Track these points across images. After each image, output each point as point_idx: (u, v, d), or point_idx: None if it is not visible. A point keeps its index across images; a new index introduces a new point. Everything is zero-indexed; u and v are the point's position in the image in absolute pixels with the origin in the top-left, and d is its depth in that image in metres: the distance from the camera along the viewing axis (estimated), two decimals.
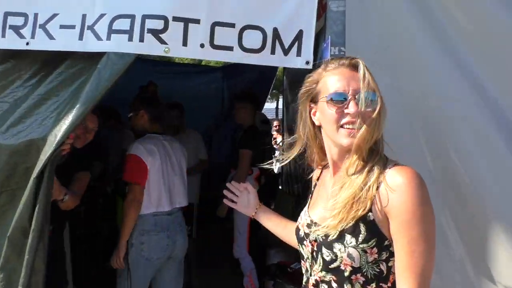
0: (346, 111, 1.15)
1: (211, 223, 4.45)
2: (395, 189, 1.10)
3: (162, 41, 1.59)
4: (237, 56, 1.63)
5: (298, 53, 1.66)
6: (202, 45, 1.61)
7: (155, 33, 1.59)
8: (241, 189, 1.67)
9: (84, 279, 3.98)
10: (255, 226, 3.49)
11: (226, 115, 6.70)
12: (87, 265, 4.15)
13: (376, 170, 1.14)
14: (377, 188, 1.13)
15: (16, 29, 1.66)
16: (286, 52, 1.66)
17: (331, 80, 1.19)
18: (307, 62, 1.66)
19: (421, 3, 1.62)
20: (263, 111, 6.83)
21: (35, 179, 1.63)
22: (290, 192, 5.08)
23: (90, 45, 1.64)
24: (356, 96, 1.14)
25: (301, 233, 1.33)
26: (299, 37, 1.65)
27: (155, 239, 2.57)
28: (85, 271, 4.08)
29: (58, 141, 1.63)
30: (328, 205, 1.22)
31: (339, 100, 1.16)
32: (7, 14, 1.65)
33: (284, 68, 6.45)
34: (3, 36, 1.66)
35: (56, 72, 1.71)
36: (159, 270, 2.69)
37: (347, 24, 1.59)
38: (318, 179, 1.43)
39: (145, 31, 1.59)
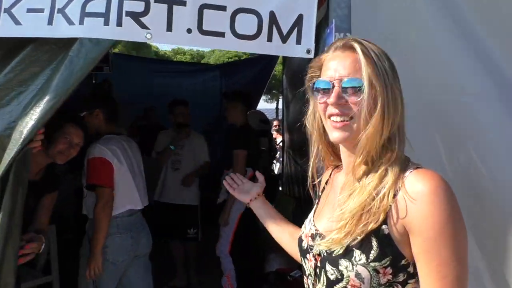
0: (328, 101, 0.99)
1: (212, 224, 4.34)
2: (415, 198, 0.90)
3: (143, 26, 1.39)
4: (229, 43, 1.44)
5: (298, 41, 1.46)
6: (189, 30, 1.41)
7: (135, 16, 1.39)
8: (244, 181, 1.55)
9: (73, 284, 3.83)
10: (254, 229, 3.37)
11: (224, 114, 6.55)
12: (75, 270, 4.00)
13: (391, 174, 0.95)
14: (394, 196, 0.93)
15: None
16: (284, 39, 1.46)
17: (325, 65, 1.04)
18: (308, 51, 1.46)
19: None
20: (264, 112, 6.70)
21: None
22: (290, 193, 4.90)
23: (61, 30, 1.44)
24: (342, 84, 0.97)
25: (304, 244, 1.13)
26: (298, 22, 1.46)
27: (118, 241, 2.52)
28: (73, 276, 3.93)
29: (24, 138, 1.43)
30: (334, 215, 1.02)
31: (324, 88, 1.01)
32: None
33: (284, 65, 6.30)
34: None
35: (20, 59, 1.51)
36: (125, 271, 2.64)
37: (352, 8, 1.40)
38: (327, 183, 1.23)
39: (123, 14, 1.39)
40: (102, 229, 2.42)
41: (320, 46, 1.57)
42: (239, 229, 3.49)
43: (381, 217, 0.93)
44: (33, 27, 1.46)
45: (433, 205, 0.88)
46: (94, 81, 6.22)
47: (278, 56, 6.16)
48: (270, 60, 6.18)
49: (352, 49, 0.99)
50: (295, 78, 4.26)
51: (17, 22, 1.46)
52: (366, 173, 0.99)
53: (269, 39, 1.45)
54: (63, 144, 2.11)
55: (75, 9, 1.43)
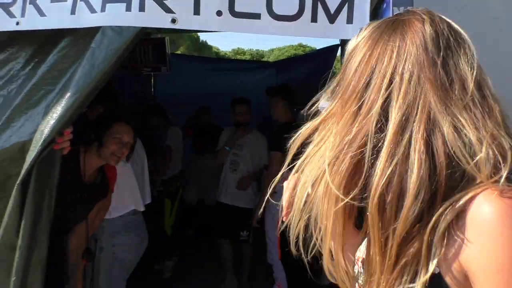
0: None
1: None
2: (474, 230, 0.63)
3: (168, 9, 1.23)
4: (265, 26, 1.23)
5: (349, 20, 1.23)
6: (219, 13, 1.23)
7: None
8: None
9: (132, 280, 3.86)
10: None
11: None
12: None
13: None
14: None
15: (6, 7, 1.39)
16: (332, 18, 1.23)
17: None
18: None
19: None
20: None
21: (19, 185, 1.35)
22: None
23: (84, 19, 1.32)
24: None
25: (356, 269, 0.91)
26: None
27: (126, 240, 2.52)
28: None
29: (44, 139, 1.33)
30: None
31: None
32: None
33: (341, 59, 5.97)
34: None
35: (49, 58, 1.42)
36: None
37: None
38: None
39: None
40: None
41: None
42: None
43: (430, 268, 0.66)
44: (57, 18, 1.35)
45: (496, 240, 0.61)
46: (153, 82, 6.34)
47: (336, 50, 5.85)
48: (328, 55, 5.89)
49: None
50: None
51: (41, 14, 1.36)
52: None
53: (314, 19, 1.23)
54: (114, 145, 2.02)
55: None
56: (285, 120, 3.28)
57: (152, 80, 6.40)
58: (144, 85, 6.27)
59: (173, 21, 1.22)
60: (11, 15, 1.40)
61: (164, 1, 1.22)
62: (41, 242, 1.40)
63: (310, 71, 6.05)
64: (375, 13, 1.25)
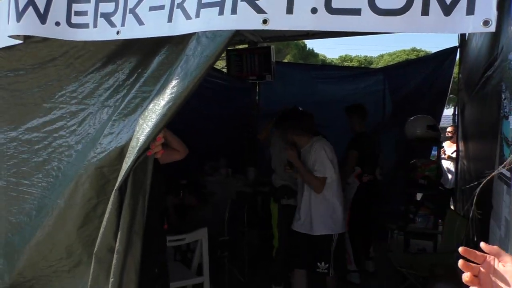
0: None
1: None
2: None
3: (260, 10, 1.15)
4: (366, 22, 1.09)
5: (470, 10, 1.02)
6: (314, 10, 1.11)
7: (251, 0, 1.16)
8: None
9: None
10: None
11: (387, 121, 5.99)
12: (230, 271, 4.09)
13: None
14: None
15: (107, 16, 1.44)
16: (447, 10, 1.04)
17: None
18: (486, 23, 1.01)
19: None
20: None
21: (116, 191, 1.38)
22: (464, 213, 4.12)
23: (179, 27, 1.31)
24: None
25: None
26: None
27: None
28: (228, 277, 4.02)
29: (140, 147, 1.35)
30: None
31: None
32: (98, 1, 1.45)
33: (459, 65, 5.38)
34: (95, 26, 1.46)
35: (148, 67, 1.44)
36: None
37: None
38: None
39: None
40: None
41: (502, 17, 1.10)
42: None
43: None
44: (155, 26, 1.37)
45: None
46: (257, 89, 6.45)
47: (455, 53, 5.30)
48: (445, 58, 5.37)
49: None
50: (470, 77, 3.54)
51: (140, 22, 1.39)
52: None
53: (424, 12, 1.05)
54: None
55: (192, 2, 1.28)
56: (359, 131, 4.32)
57: (257, 88, 6.51)
58: (249, 93, 6.41)
59: (264, 21, 1.14)
60: (112, 24, 1.45)
61: (256, 1, 1.15)
62: (135, 245, 1.44)
63: (423, 77, 5.58)
64: (502, 3, 1.02)
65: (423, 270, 3.63)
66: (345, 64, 23.00)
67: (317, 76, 6.42)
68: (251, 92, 6.45)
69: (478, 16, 1.02)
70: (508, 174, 1.08)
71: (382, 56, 21.33)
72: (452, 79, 5.72)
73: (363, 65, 22.93)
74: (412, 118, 4.83)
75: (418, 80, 5.66)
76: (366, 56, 24.51)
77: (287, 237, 3.55)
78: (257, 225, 5.14)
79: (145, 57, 1.54)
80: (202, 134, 4.80)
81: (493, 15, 1.00)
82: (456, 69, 5.73)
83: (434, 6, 1.05)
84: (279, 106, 5.95)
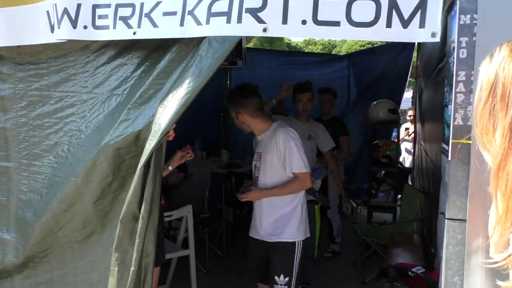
0: None
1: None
2: None
3: (260, 20, 1.45)
4: (344, 32, 1.41)
5: (422, 24, 1.36)
6: (303, 22, 1.42)
7: (253, 12, 1.45)
8: None
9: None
10: None
11: (352, 106, 6.40)
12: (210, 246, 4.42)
13: None
14: None
15: (125, 19, 1.70)
16: (405, 24, 1.37)
17: None
18: (433, 34, 1.35)
19: None
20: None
21: (142, 168, 1.66)
22: (419, 187, 4.61)
23: (191, 30, 1.59)
24: None
25: None
26: (422, 3, 1.35)
27: None
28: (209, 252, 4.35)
29: (162, 131, 1.63)
30: None
31: None
32: (118, 6, 1.70)
33: (418, 52, 5.85)
34: (114, 27, 1.71)
35: (159, 62, 1.72)
36: None
37: None
38: None
39: (243, 10, 1.47)
40: None
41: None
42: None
43: None
44: (168, 29, 1.63)
45: None
46: (228, 74, 6.69)
47: (413, 42, 5.74)
48: (405, 46, 5.80)
49: None
50: (427, 65, 3.95)
51: (154, 25, 1.65)
52: None
53: (388, 24, 1.38)
54: None
55: (202, 10, 1.56)
56: (334, 115, 4.56)
57: (229, 73, 6.74)
58: (221, 79, 6.65)
59: (264, 30, 1.44)
60: (129, 26, 1.70)
61: (258, 13, 1.44)
62: (154, 212, 1.73)
63: (386, 64, 5.99)
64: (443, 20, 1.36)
65: (384, 238, 4.09)
66: (310, 47, 23.41)
67: (286, 62, 6.73)
68: (223, 78, 6.69)
69: (428, 29, 1.36)
70: (446, 147, 1.44)
71: (345, 40, 21.87)
72: (411, 64, 6.19)
73: (327, 49, 23.41)
74: (375, 103, 5.27)
75: (381, 67, 6.08)
76: (330, 40, 24.99)
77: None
78: (232, 204, 5.48)
79: (154, 53, 1.81)
80: (180, 119, 5.05)
81: (438, 29, 1.34)
82: (415, 54, 6.20)
83: (395, 20, 1.38)
84: None
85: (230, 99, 2.69)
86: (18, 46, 2.09)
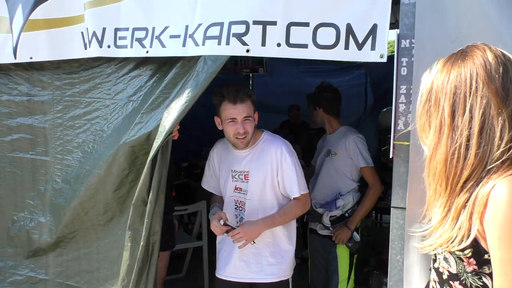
0: None
1: None
2: (494, 201, 0.98)
3: (244, 43, 1.80)
4: (311, 53, 1.73)
5: (372, 47, 1.67)
6: (278, 44, 1.76)
7: (238, 36, 1.80)
8: None
9: None
10: None
11: (369, 113, 6.57)
12: None
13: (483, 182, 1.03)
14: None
15: (140, 40, 2.09)
16: (360, 46, 1.68)
17: None
18: (381, 56, 1.65)
19: None
20: None
21: (150, 161, 2.04)
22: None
23: (191, 50, 1.95)
24: None
25: None
26: (373, 31, 1.66)
27: None
28: None
29: (166, 132, 2.00)
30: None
31: None
32: (134, 29, 2.09)
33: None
34: (131, 47, 2.10)
35: (167, 75, 2.10)
36: None
37: (417, 15, 1.54)
38: None
39: (231, 35, 1.82)
40: None
41: None
42: None
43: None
44: (173, 48, 2.01)
45: (502, 207, 0.96)
46: (251, 81, 7.01)
47: None
48: None
49: None
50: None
51: (163, 46, 2.03)
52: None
53: (346, 47, 1.69)
54: None
55: (200, 34, 1.92)
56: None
57: (251, 80, 7.06)
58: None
59: (247, 51, 1.79)
60: (143, 46, 2.09)
61: (242, 37, 1.79)
62: (160, 198, 2.10)
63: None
64: None
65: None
66: None
67: (305, 70, 6.99)
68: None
69: (377, 51, 1.66)
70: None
71: None
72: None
73: None
74: (385, 110, 5.46)
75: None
76: None
77: None
78: None
79: (163, 67, 2.19)
80: (202, 123, 5.42)
81: (385, 51, 1.64)
82: None
83: (352, 44, 1.69)
84: (271, 97, 6.48)
85: None
86: (58, 60, 2.52)
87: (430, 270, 1.28)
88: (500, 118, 1.01)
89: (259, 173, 2.24)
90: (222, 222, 2.15)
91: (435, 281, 1.21)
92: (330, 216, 2.79)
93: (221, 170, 2.39)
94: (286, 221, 2.24)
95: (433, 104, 1.13)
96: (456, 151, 1.04)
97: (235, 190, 2.30)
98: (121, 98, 2.40)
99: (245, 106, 2.14)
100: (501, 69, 1.03)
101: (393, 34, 1.84)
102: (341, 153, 2.91)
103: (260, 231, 2.14)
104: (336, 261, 2.91)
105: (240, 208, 2.28)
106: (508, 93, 1.02)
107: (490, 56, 1.05)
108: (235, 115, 2.15)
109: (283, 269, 2.31)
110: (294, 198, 2.24)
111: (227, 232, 2.15)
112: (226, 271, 2.35)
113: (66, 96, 2.58)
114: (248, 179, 2.25)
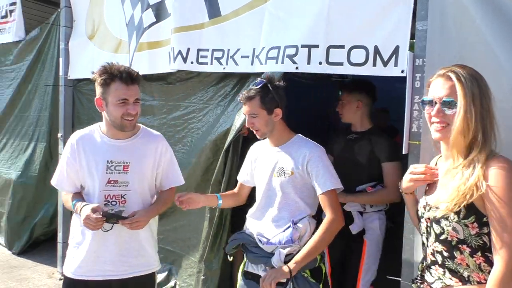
0: (431, 113, 1.42)
1: None
2: (490, 175, 1.28)
3: (294, 62, 2.30)
4: (346, 69, 2.17)
5: (395, 64, 2.05)
6: (320, 63, 2.23)
7: (290, 57, 2.32)
8: None
9: None
10: None
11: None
12: None
13: (477, 163, 1.31)
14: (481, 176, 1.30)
15: (218, 59, 2.71)
16: (385, 64, 2.08)
17: (431, 86, 1.46)
18: (402, 71, 2.03)
19: (496, 13, 1.74)
20: None
21: (224, 152, 2.66)
22: None
23: (257, 67, 2.52)
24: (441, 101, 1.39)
25: (420, 213, 1.55)
26: (396, 51, 2.04)
27: None
28: None
29: (237, 129, 2.60)
30: (441, 192, 1.43)
31: (428, 101, 1.45)
32: (213, 50, 2.73)
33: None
34: (211, 64, 2.75)
35: (243, 86, 2.71)
36: None
37: (428, 39, 1.89)
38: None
39: (285, 56, 2.34)
40: None
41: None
42: None
43: (475, 192, 1.29)
44: (244, 66, 2.61)
45: (499, 175, 1.26)
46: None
47: None
48: None
49: (450, 77, 1.37)
50: None
51: (236, 64, 2.66)
52: (459, 162, 1.36)
53: (374, 64, 2.10)
54: None
55: (263, 55, 2.49)
56: None
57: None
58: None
59: (296, 68, 2.29)
60: (220, 63, 2.72)
61: (293, 58, 2.30)
62: (231, 180, 2.70)
63: None
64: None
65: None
66: None
67: None
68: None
69: (399, 67, 2.04)
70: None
71: None
72: None
73: None
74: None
75: None
76: None
77: None
78: None
79: (241, 80, 2.78)
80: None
81: (405, 67, 2.01)
82: None
83: (378, 62, 2.09)
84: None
85: None
86: (160, 74, 3.28)
87: (425, 247, 1.52)
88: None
89: (141, 164, 2.14)
90: (98, 214, 1.90)
91: (438, 252, 1.42)
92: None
93: (88, 162, 2.09)
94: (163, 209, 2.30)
95: None
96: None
97: (108, 184, 2.07)
98: (211, 103, 3.06)
99: (137, 88, 2.05)
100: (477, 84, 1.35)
101: None
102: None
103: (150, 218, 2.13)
104: None
105: (114, 203, 2.07)
106: None
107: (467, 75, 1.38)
108: (127, 96, 1.99)
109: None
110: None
111: (112, 222, 1.95)
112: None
113: (169, 101, 3.32)
114: (128, 170, 2.10)
